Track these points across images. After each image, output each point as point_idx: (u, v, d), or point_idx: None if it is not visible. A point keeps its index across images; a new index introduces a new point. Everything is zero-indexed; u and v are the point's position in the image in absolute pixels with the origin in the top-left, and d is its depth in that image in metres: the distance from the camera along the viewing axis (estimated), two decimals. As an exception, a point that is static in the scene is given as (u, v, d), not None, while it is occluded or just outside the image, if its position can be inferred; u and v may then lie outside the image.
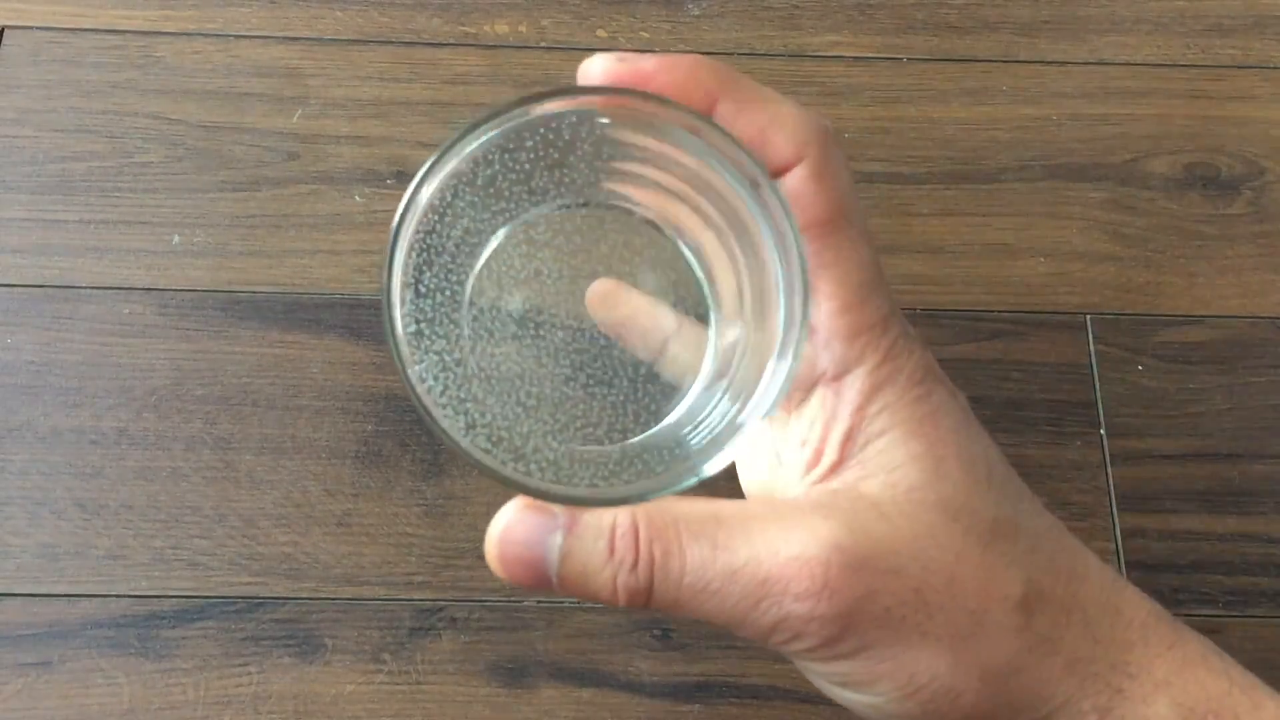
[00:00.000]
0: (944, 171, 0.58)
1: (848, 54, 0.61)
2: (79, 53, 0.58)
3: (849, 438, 0.25)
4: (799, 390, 0.26)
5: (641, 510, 0.24)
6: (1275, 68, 0.61)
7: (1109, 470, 0.51)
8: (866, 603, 0.23)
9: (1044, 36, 0.62)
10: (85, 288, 0.53)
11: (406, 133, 0.57)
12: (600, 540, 0.24)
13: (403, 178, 0.56)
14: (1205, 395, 0.53)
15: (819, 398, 0.26)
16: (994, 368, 0.53)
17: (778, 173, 0.25)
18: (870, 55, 0.61)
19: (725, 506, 0.26)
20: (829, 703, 0.47)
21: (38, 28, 0.59)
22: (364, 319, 0.53)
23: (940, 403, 0.27)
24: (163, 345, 0.51)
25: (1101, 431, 0.52)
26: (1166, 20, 0.62)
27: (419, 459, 0.50)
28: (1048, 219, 0.57)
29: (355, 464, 0.50)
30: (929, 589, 0.24)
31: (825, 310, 0.25)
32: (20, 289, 0.53)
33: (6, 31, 0.59)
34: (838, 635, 0.24)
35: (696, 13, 0.61)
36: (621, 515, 0.24)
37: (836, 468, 0.25)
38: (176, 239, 0.54)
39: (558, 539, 0.24)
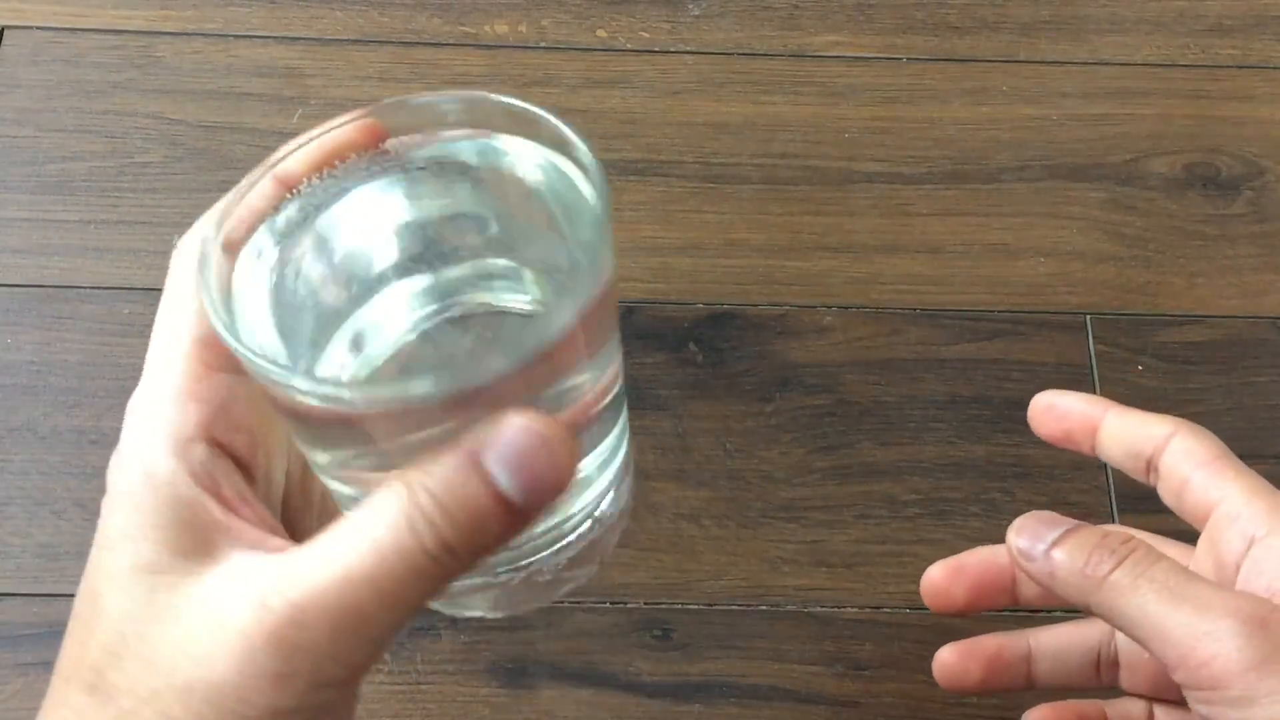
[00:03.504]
0: (944, 171, 0.58)
1: (848, 54, 0.61)
2: (79, 53, 0.58)
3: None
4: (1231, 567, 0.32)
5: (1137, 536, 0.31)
6: (1275, 68, 0.61)
7: (1109, 470, 0.51)
8: None
9: (1044, 36, 0.62)
10: (85, 288, 0.53)
11: (406, 133, 0.57)
12: (1099, 530, 0.30)
13: (403, 178, 0.56)
14: (1205, 395, 0.53)
15: (1253, 556, 0.31)
16: (994, 368, 0.53)
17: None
18: (870, 55, 0.61)
19: None
20: (829, 703, 0.47)
21: (38, 28, 0.59)
22: (364, 319, 0.53)
23: None
24: (163, 345, 0.51)
25: (1101, 431, 0.52)
26: (1166, 20, 0.62)
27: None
28: (1048, 219, 0.57)
29: (355, 464, 0.50)
30: None
31: (1239, 500, 0.31)
32: (20, 289, 0.53)
33: (6, 31, 0.59)
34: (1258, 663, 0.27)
35: (696, 13, 0.61)
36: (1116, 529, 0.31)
37: (1274, 596, 0.30)
38: (176, 239, 0.54)
39: (1065, 527, 0.31)
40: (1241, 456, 0.52)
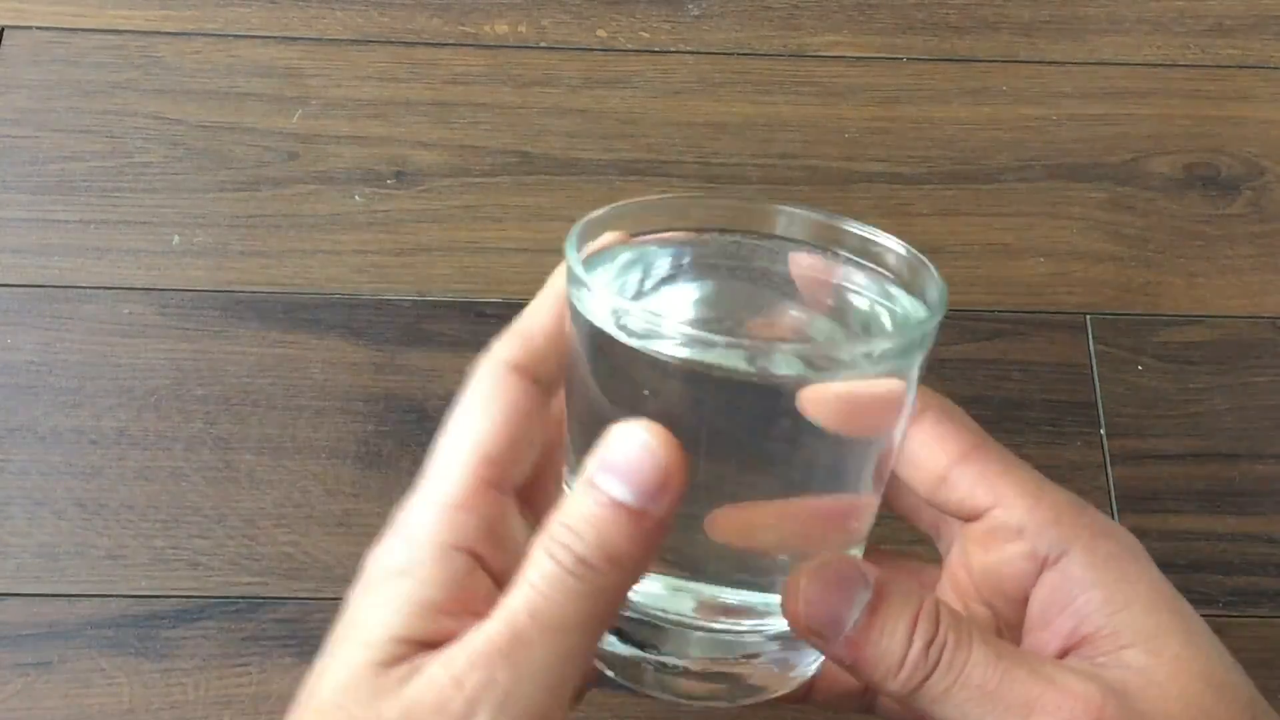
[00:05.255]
0: (944, 171, 0.58)
1: (848, 54, 0.61)
2: (79, 53, 0.58)
3: (1091, 614, 0.27)
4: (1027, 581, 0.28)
5: (942, 604, 0.26)
6: (1275, 68, 0.61)
7: (1109, 470, 0.51)
8: None
9: (1044, 36, 0.62)
10: (85, 288, 0.53)
11: (406, 133, 0.57)
12: (907, 610, 0.26)
13: (402, 177, 0.56)
14: (1205, 395, 0.53)
15: (1048, 584, 0.27)
16: (994, 368, 0.53)
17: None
18: (870, 55, 0.61)
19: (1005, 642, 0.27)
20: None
21: (38, 28, 0.59)
22: (364, 319, 0.53)
23: (1160, 576, 0.28)
24: (163, 345, 0.51)
25: (1101, 431, 0.52)
26: (1166, 20, 0.62)
27: (419, 459, 0.50)
28: (1048, 219, 0.57)
29: (355, 464, 0.50)
30: None
31: (1020, 507, 0.28)
32: (20, 289, 0.53)
33: (6, 31, 0.59)
34: None
35: (696, 13, 0.61)
36: (929, 599, 0.26)
37: (1084, 642, 0.27)
38: (176, 239, 0.54)
39: (865, 595, 0.26)
40: (1241, 456, 0.52)
